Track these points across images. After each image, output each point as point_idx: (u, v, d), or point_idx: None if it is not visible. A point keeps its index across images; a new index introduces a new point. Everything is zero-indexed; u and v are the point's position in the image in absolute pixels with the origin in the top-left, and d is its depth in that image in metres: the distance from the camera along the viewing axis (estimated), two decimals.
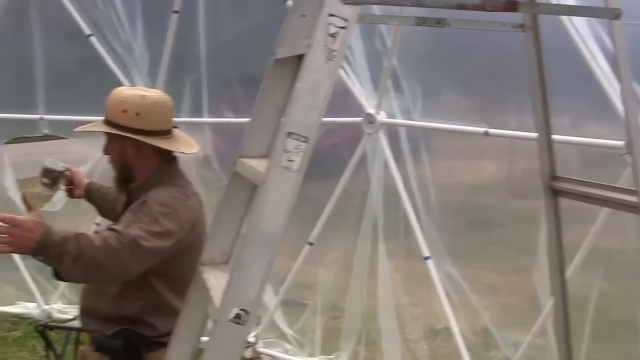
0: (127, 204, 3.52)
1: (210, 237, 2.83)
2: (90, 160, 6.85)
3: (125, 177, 3.56)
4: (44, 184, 4.02)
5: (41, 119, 7.30)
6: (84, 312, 3.62)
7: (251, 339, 6.70)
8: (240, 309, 2.21)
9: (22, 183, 7.63)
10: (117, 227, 3.20)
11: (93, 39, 6.94)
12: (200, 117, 6.87)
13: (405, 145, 6.24)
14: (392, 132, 6.27)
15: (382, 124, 6.18)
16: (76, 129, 3.77)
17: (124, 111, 3.41)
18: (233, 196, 2.76)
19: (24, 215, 2.96)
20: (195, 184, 3.77)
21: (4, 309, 7.67)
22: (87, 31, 6.94)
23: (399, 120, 6.26)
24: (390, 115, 6.23)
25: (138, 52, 6.92)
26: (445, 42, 5.95)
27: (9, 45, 7.43)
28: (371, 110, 6.16)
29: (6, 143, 7.62)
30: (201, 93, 6.80)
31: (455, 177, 6.57)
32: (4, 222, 2.89)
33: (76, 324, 5.82)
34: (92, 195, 4.16)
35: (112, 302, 3.45)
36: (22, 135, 7.83)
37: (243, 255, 2.21)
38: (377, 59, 6.18)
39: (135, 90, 3.61)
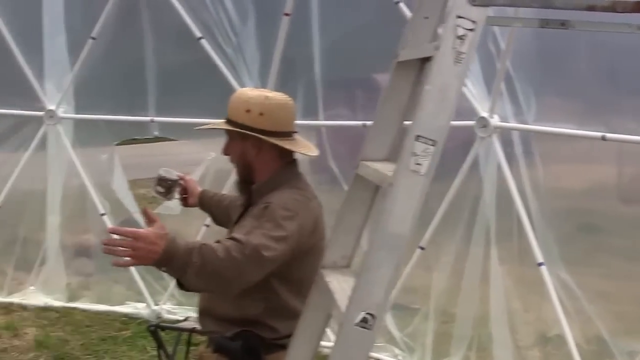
0: (247, 205, 3.55)
1: (331, 240, 2.81)
2: (202, 163, 6.98)
3: (245, 177, 3.58)
4: (159, 193, 4.08)
5: (152, 121, 7.45)
6: (203, 313, 3.64)
7: None
8: (367, 313, 2.19)
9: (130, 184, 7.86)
10: (239, 236, 3.19)
11: (203, 42, 7.03)
12: (315, 120, 6.88)
13: (518, 148, 6.13)
14: (505, 135, 6.17)
15: (496, 127, 6.09)
16: (198, 127, 3.80)
17: (248, 111, 3.44)
18: (355, 199, 2.73)
19: (147, 229, 2.98)
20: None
21: (114, 308, 7.84)
22: (198, 34, 7.03)
23: (513, 124, 6.15)
24: (504, 118, 6.13)
25: (249, 55, 6.98)
26: (559, 43, 5.82)
27: (121, 48, 7.63)
28: (484, 114, 6.07)
29: (117, 145, 7.81)
30: (315, 95, 6.80)
31: (566, 181, 6.43)
32: (126, 237, 2.93)
33: (187, 324, 5.95)
34: (205, 203, 4.19)
35: (232, 303, 3.45)
36: (133, 137, 8.00)
37: (370, 259, 2.19)
38: (490, 61, 6.09)
39: (260, 92, 3.62)
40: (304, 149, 3.57)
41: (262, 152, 3.48)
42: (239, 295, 3.38)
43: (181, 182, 4.12)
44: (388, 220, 2.17)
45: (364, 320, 2.19)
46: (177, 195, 4.14)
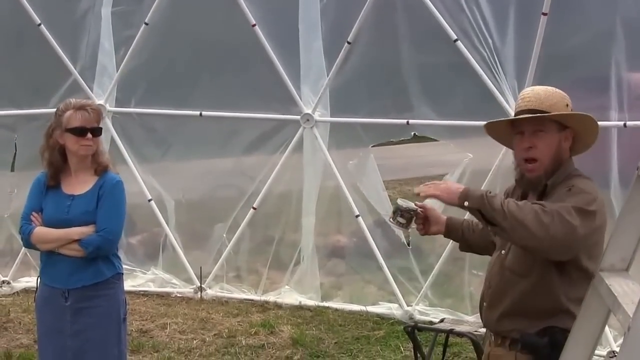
0: (540, 197, 3.62)
1: (611, 242, 2.68)
2: (460, 164, 6.92)
3: (554, 165, 3.63)
4: (399, 224, 4.02)
5: (407, 123, 7.45)
6: (506, 315, 3.63)
7: None
8: None
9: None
10: (543, 203, 3.42)
11: (459, 44, 6.97)
12: None
13: None
14: None
15: None
16: (512, 117, 3.79)
17: (567, 105, 3.61)
18: (637, 200, 2.57)
19: None
20: None
21: (366, 308, 7.92)
22: (453, 36, 7.00)
23: None
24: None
25: (504, 56, 6.85)
26: None
27: (376, 52, 7.71)
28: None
29: (373, 146, 7.88)
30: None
31: None
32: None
33: (444, 326, 5.89)
34: (453, 230, 4.16)
35: (530, 299, 3.53)
36: (389, 139, 8.06)
37: None
38: None
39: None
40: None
41: (566, 142, 3.64)
42: (543, 287, 3.50)
43: (420, 211, 4.05)
44: None
45: None
46: (414, 224, 4.10)
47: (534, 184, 3.65)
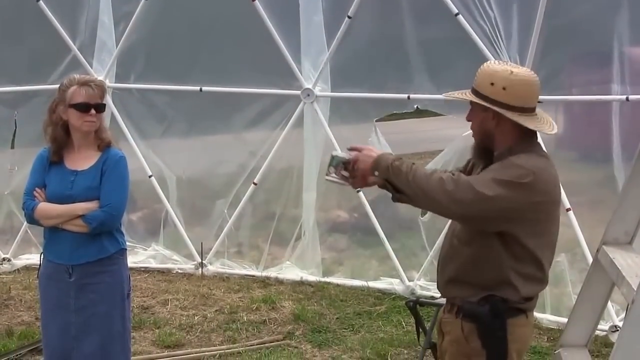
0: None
1: (614, 215, 2.70)
2: (456, 139, 6.92)
3: (484, 145, 3.68)
4: (331, 175, 3.77)
5: (408, 97, 7.42)
6: (450, 281, 3.71)
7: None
8: None
9: None
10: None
11: (460, 18, 6.93)
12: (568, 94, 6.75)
13: None
14: None
15: None
16: (444, 94, 3.89)
17: (492, 84, 3.52)
18: None
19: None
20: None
21: (367, 284, 7.95)
22: (455, 10, 6.96)
23: None
24: None
25: (506, 29, 6.81)
26: None
27: (377, 26, 7.68)
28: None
29: (377, 121, 7.86)
30: (570, 68, 6.57)
31: None
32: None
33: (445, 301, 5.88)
34: None
35: (476, 266, 3.55)
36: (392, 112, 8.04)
37: None
38: None
39: (506, 66, 3.63)
40: (543, 125, 3.60)
41: (500, 124, 3.57)
42: (485, 257, 3.53)
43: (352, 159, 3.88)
44: None
45: None
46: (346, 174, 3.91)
47: (475, 155, 3.76)
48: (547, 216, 3.52)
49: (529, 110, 3.58)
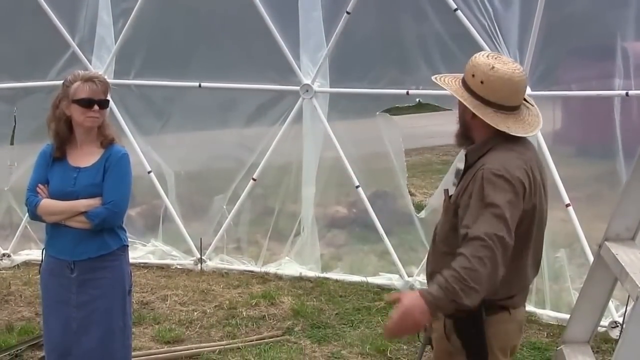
0: (466, 168, 3.65)
1: (616, 211, 2.69)
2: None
3: (463, 133, 3.71)
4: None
5: (407, 93, 7.43)
6: (430, 276, 3.69)
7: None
8: None
9: None
10: (473, 230, 3.29)
11: (459, 13, 6.94)
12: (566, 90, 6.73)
13: None
14: None
15: None
16: (434, 76, 3.83)
17: (473, 75, 3.53)
18: None
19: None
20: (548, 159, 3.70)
21: (366, 279, 7.94)
22: (454, 5, 6.96)
23: None
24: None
25: (506, 24, 6.81)
26: None
27: (376, 22, 7.67)
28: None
29: (379, 114, 7.86)
30: (569, 63, 6.57)
31: None
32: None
33: None
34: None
35: (447, 263, 3.44)
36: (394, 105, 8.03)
37: None
38: None
39: (491, 60, 3.55)
40: (517, 125, 3.53)
41: (476, 117, 3.54)
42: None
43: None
44: None
45: None
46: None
47: (458, 142, 3.79)
48: (529, 214, 3.46)
49: (508, 109, 3.52)
